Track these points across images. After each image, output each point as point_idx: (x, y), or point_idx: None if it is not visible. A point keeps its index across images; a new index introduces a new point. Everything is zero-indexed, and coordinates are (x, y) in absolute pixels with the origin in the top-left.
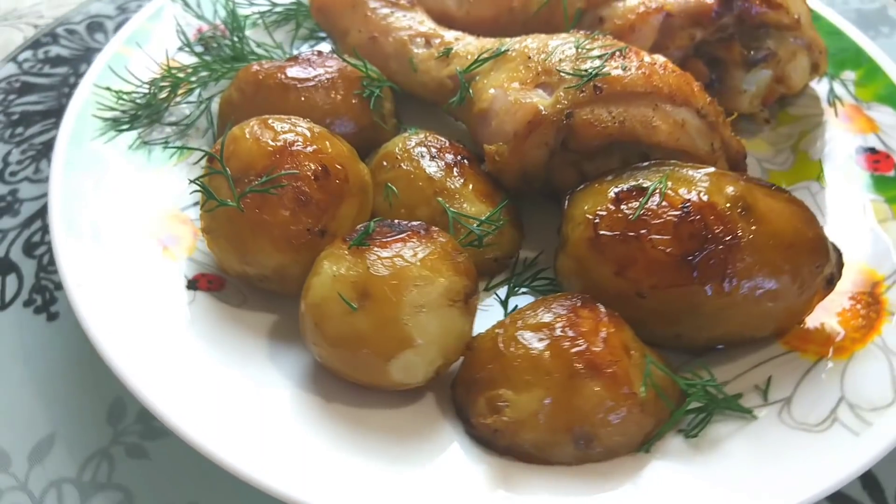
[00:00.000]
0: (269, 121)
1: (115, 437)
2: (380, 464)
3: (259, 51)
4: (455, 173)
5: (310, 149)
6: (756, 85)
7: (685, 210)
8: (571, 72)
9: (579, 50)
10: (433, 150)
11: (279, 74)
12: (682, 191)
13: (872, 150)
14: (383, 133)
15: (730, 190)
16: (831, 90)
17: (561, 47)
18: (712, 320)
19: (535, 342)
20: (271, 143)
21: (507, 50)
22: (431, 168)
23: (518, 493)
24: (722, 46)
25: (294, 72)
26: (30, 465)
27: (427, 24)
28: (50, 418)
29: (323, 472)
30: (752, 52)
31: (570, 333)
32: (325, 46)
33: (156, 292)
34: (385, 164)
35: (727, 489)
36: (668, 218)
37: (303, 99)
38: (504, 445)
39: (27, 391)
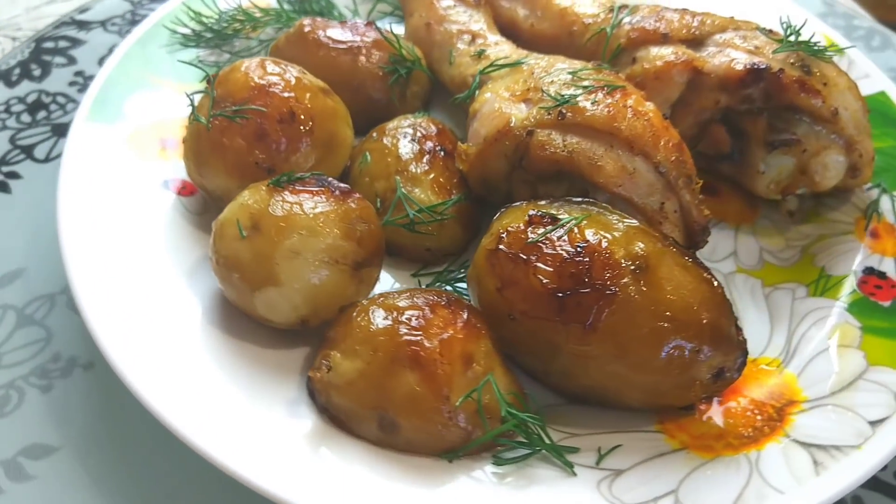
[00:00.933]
0: (268, 63)
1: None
2: (232, 393)
3: (337, 10)
4: (424, 160)
5: (287, 94)
6: (776, 169)
7: (578, 249)
8: (551, 94)
9: (574, 77)
10: (419, 134)
11: (320, 31)
12: (590, 232)
13: (881, 275)
14: (396, 110)
15: (637, 246)
16: (876, 202)
17: (562, 71)
18: (573, 367)
19: (378, 319)
20: (256, 80)
21: (523, 63)
22: (405, 149)
23: (312, 449)
24: (748, 119)
25: (334, 32)
26: None
27: (480, 24)
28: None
29: (179, 381)
30: (776, 133)
31: (414, 323)
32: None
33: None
34: (374, 134)
35: None
36: (559, 252)
37: (330, 57)
38: (321, 404)
39: None
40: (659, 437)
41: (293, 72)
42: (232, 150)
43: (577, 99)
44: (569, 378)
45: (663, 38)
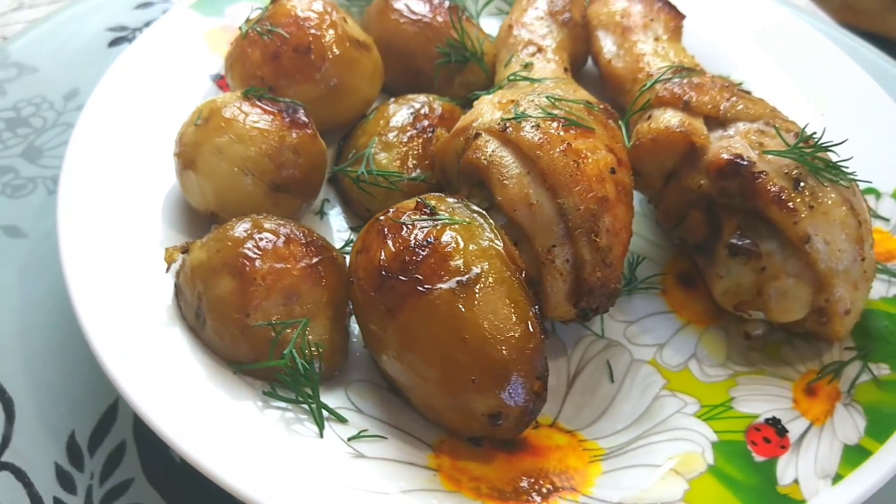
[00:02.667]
0: (317, 2)
1: None
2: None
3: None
4: (407, 134)
5: (313, 31)
6: (734, 279)
7: (425, 243)
8: (517, 109)
9: (549, 100)
10: (423, 111)
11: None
12: (449, 234)
13: (780, 431)
14: (437, 90)
15: (480, 265)
16: (843, 365)
17: (549, 95)
18: (377, 349)
19: (240, 229)
20: (297, 12)
21: (540, 81)
22: (398, 118)
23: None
24: (726, 214)
25: (414, 3)
26: None
27: (551, 42)
28: None
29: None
30: (740, 238)
31: (262, 244)
32: None
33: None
34: (392, 99)
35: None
36: (409, 238)
37: (397, 22)
38: (175, 281)
39: None
40: (423, 453)
41: (333, 17)
42: (249, 60)
43: (529, 119)
44: (376, 361)
45: (684, 106)
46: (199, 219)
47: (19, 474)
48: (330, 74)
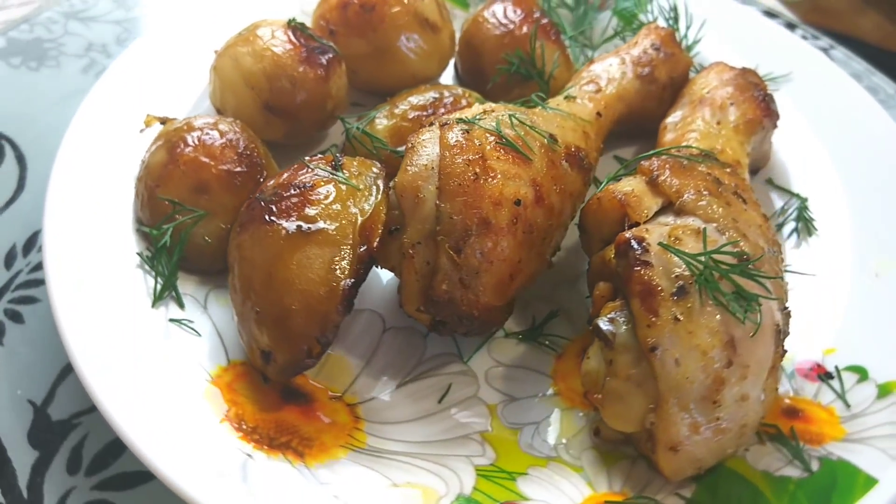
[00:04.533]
0: None
1: None
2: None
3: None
4: (415, 113)
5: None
6: (591, 361)
7: (301, 184)
8: (470, 117)
9: (512, 119)
10: (447, 101)
11: (502, 4)
12: (328, 188)
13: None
14: (490, 91)
15: (331, 223)
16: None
17: (519, 114)
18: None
19: (201, 121)
20: None
21: (547, 108)
22: (419, 98)
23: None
24: (621, 294)
25: (509, 10)
26: None
27: (612, 86)
28: None
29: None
30: (609, 319)
31: (209, 134)
32: None
33: None
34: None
35: None
36: (297, 176)
37: (481, 20)
38: None
39: None
40: (216, 363)
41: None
42: (328, 2)
43: (467, 124)
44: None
45: (650, 181)
46: None
47: None
48: (382, 38)
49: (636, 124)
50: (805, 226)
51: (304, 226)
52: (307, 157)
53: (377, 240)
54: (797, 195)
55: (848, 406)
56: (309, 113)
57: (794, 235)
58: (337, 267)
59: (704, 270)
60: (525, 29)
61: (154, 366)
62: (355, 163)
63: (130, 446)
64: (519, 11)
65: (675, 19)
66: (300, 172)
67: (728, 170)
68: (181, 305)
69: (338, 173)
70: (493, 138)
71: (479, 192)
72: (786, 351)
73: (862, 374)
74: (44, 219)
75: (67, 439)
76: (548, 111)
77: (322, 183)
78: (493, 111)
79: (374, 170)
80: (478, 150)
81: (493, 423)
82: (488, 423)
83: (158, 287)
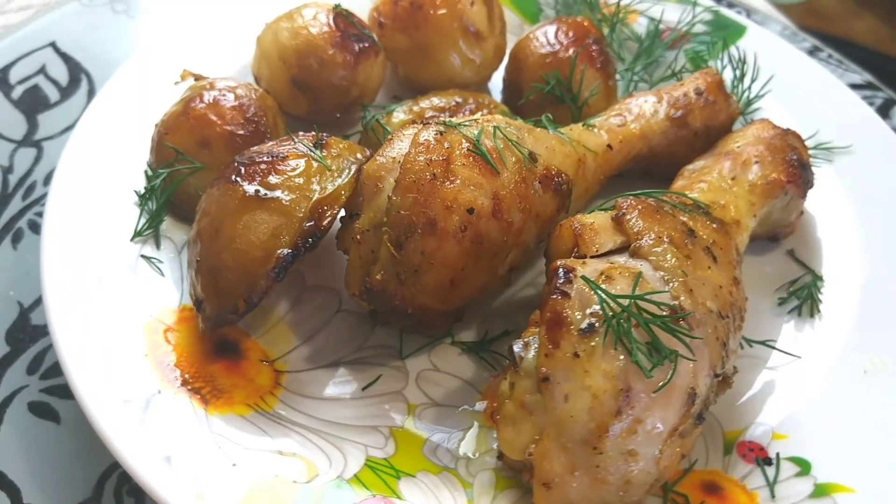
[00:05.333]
0: None
1: None
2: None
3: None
4: (431, 112)
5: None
6: (500, 386)
7: (275, 154)
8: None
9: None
10: (469, 108)
11: (556, 28)
12: (298, 162)
13: None
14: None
15: (284, 195)
16: None
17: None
18: None
19: (224, 83)
20: None
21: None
22: (441, 101)
23: None
24: None
25: (553, 33)
26: None
27: (637, 122)
28: None
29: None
30: (523, 343)
31: (224, 96)
32: None
33: None
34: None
35: None
36: (276, 147)
37: (531, 37)
38: None
39: None
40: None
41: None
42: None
43: (445, 127)
44: None
45: (615, 217)
46: None
47: None
48: (423, 37)
49: (664, 167)
50: (811, 306)
51: (262, 191)
52: (300, 133)
53: (329, 219)
54: (813, 272)
55: (773, 496)
56: (331, 95)
57: (797, 312)
58: (279, 235)
59: (619, 313)
60: (570, 52)
61: (111, 292)
62: (341, 146)
63: (59, 355)
64: (571, 35)
65: (743, 70)
66: (283, 143)
67: (715, 225)
68: (158, 245)
69: (315, 151)
70: (466, 145)
71: (432, 192)
72: (700, 421)
73: (804, 468)
74: (63, 153)
75: (36, 343)
76: (550, 132)
77: (295, 156)
78: (488, 122)
79: (358, 155)
80: (445, 152)
81: (407, 422)
82: (403, 420)
83: (142, 224)
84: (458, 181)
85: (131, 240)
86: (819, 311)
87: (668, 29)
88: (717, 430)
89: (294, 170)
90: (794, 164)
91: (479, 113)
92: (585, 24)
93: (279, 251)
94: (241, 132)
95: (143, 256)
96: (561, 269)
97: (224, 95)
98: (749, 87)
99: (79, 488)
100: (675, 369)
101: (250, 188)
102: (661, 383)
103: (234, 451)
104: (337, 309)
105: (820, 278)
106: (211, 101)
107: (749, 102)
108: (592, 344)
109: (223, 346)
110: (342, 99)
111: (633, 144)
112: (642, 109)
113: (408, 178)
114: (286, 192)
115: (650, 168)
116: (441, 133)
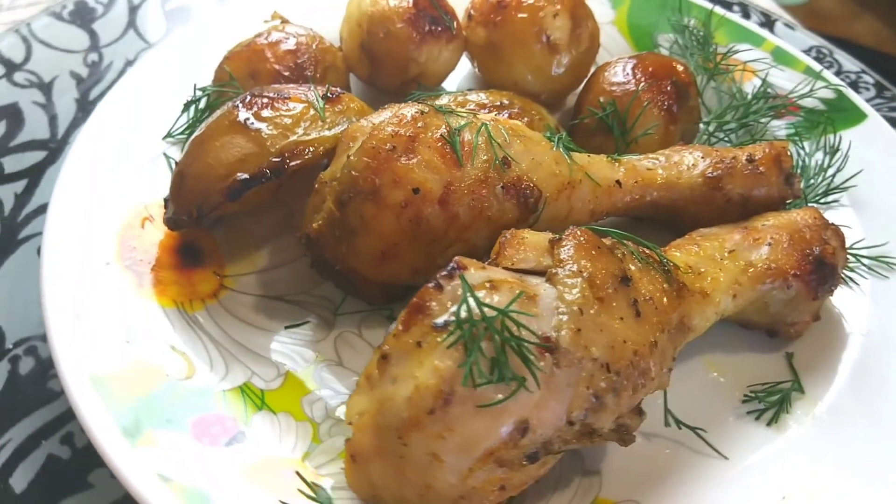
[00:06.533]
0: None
1: None
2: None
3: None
4: (469, 107)
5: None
6: None
7: (282, 94)
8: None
9: (483, 125)
10: (511, 110)
11: (628, 63)
12: (299, 106)
13: None
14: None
15: (265, 132)
16: None
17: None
18: None
19: (295, 28)
20: None
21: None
22: (483, 98)
23: None
24: None
25: (631, 66)
26: None
27: (664, 169)
28: None
29: None
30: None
31: (289, 39)
32: None
33: None
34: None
35: None
36: (288, 89)
37: (607, 68)
38: None
39: None
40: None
41: (552, 10)
42: None
43: (433, 109)
44: None
45: (552, 241)
46: None
47: None
48: (498, 36)
49: (690, 225)
50: (777, 414)
51: (251, 121)
52: (326, 84)
53: (297, 162)
54: (798, 383)
55: None
56: (389, 66)
57: (755, 415)
58: (245, 161)
59: (476, 321)
60: (638, 87)
61: (110, 185)
62: (352, 104)
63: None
64: (650, 70)
65: (833, 156)
66: (297, 87)
67: (666, 286)
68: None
69: (318, 101)
70: (442, 130)
71: (387, 162)
72: (532, 461)
73: None
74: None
75: None
76: (554, 148)
77: (298, 100)
78: (486, 119)
79: (370, 119)
80: (416, 130)
81: (306, 370)
82: (303, 367)
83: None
84: (415, 160)
85: (163, 139)
86: (777, 422)
87: (782, 96)
88: (592, 489)
89: (289, 111)
90: (810, 258)
91: (503, 113)
92: (675, 65)
93: (238, 174)
94: (287, 73)
95: (164, 154)
96: (453, 264)
97: (287, 39)
98: (833, 177)
99: None
100: (514, 396)
101: (243, 115)
102: (489, 401)
103: (134, 333)
104: (304, 252)
105: (801, 390)
106: (274, 40)
107: (827, 192)
108: (438, 339)
109: (188, 250)
110: (400, 73)
111: (649, 190)
112: (682, 159)
113: (370, 143)
114: (270, 127)
115: (675, 221)
116: (422, 113)
